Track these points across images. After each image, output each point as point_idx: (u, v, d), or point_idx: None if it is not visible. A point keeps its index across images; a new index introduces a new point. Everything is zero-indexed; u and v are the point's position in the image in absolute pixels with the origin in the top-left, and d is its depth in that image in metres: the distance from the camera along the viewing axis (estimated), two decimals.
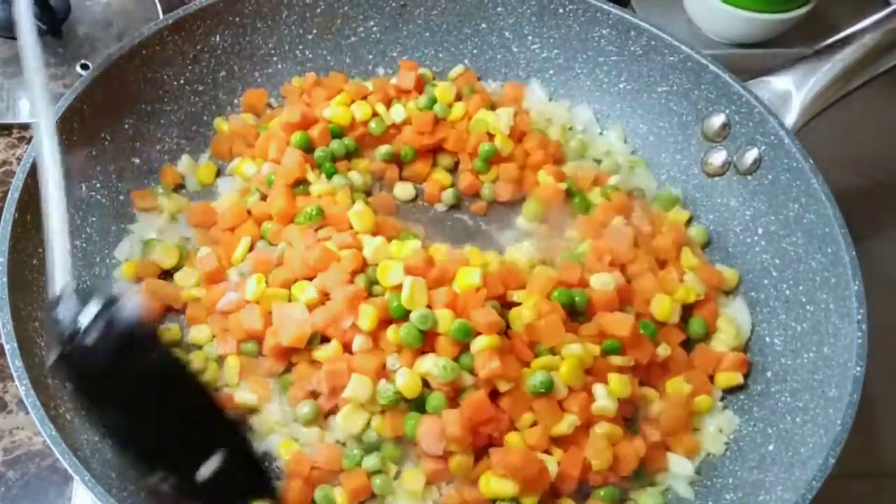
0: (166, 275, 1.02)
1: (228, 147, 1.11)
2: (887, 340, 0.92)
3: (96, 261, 1.00)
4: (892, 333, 0.95)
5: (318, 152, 1.08)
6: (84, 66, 1.22)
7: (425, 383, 0.89)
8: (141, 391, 0.80)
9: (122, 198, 1.04)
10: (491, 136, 1.11)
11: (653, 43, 1.11)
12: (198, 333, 0.98)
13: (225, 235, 1.03)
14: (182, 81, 1.10)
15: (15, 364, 0.82)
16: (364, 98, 1.13)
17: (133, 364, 0.79)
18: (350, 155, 1.11)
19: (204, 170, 1.10)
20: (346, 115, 1.10)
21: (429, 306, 0.90)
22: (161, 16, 1.28)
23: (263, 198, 1.05)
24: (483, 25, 1.19)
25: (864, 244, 0.96)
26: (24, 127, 1.20)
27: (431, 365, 0.88)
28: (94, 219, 1.01)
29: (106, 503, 0.77)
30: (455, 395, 0.89)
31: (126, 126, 1.05)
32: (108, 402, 0.79)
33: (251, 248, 1.02)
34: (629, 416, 0.94)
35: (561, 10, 1.15)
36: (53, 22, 1.25)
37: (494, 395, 0.89)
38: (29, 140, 1.19)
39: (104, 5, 1.31)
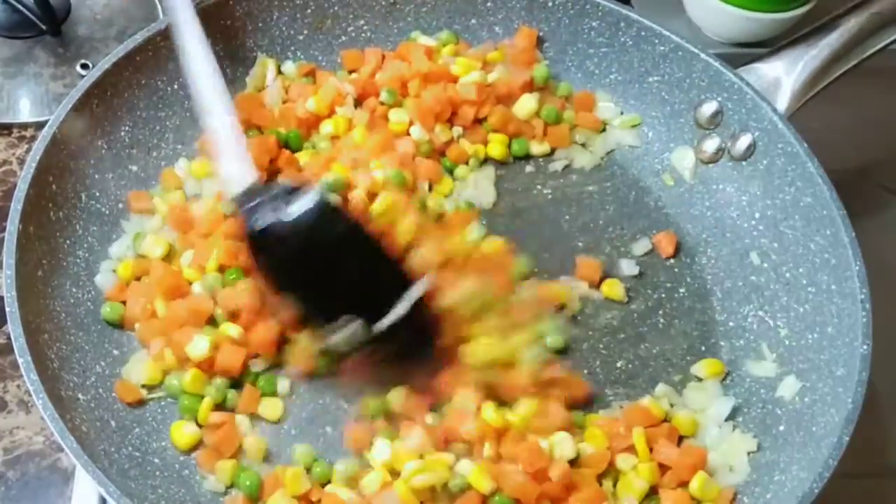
0: None
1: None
2: (889, 340, 0.92)
3: (99, 269, 0.99)
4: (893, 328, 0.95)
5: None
6: (84, 66, 1.21)
7: None
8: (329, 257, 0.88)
9: (121, 206, 1.03)
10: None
11: (643, 33, 1.12)
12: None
13: (200, 241, 1.00)
14: (175, 87, 1.08)
15: (30, 378, 0.81)
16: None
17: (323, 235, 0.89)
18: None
19: (199, 167, 1.07)
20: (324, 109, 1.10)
21: None
22: (161, 15, 1.27)
23: None
24: (473, 21, 1.19)
25: (859, 225, 0.96)
26: (24, 127, 1.19)
27: None
28: (94, 228, 1.00)
29: None
30: None
31: (122, 133, 1.05)
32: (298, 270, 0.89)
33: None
34: None
35: (550, 4, 1.16)
36: (53, 22, 1.24)
37: None
38: (29, 140, 1.17)
39: (104, 5, 1.30)
